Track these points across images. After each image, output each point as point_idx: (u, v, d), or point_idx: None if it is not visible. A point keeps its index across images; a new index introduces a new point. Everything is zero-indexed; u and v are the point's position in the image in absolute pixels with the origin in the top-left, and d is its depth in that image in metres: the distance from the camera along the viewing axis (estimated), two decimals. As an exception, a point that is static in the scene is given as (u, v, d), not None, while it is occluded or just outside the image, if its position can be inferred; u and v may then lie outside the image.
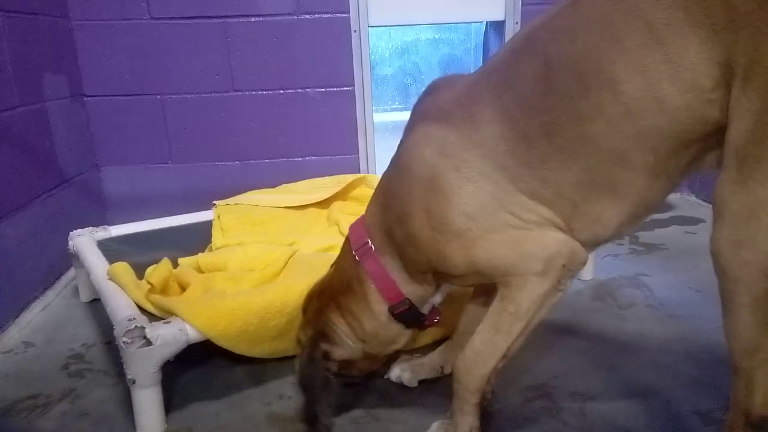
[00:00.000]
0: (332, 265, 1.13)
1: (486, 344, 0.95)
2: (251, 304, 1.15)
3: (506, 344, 0.94)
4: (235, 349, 1.15)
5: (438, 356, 1.21)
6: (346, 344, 1.07)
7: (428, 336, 1.33)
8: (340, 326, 1.06)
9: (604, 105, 0.79)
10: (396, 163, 1.00)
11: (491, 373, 0.97)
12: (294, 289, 1.20)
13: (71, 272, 1.77)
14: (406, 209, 0.94)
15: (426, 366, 1.20)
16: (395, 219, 0.97)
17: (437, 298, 1.07)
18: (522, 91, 0.86)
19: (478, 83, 0.92)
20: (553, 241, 0.89)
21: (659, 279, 1.63)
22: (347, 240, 1.08)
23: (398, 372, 1.20)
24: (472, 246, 0.90)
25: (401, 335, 1.07)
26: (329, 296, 1.08)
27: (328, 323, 1.06)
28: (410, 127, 1.00)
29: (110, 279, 1.33)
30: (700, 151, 0.81)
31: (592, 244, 0.93)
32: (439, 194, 0.90)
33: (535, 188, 0.88)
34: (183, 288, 1.40)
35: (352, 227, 1.07)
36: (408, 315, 1.03)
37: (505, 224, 0.89)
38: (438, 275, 0.99)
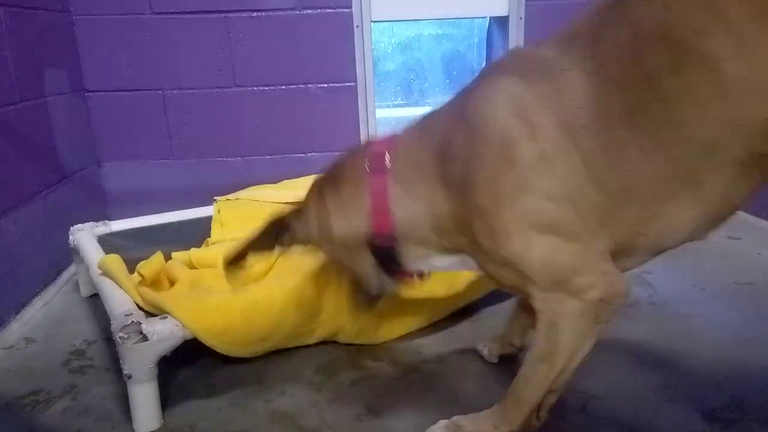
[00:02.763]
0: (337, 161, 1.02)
1: (533, 377, 0.90)
2: (236, 301, 1.13)
3: (551, 377, 0.88)
4: (220, 348, 1.13)
5: (511, 330, 1.22)
6: (307, 227, 0.98)
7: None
8: (312, 210, 0.98)
9: (698, 85, 0.68)
10: (460, 112, 0.88)
11: (537, 404, 0.93)
12: (281, 289, 1.18)
13: (72, 268, 1.77)
14: (469, 173, 0.83)
15: (503, 341, 1.23)
16: (454, 177, 0.85)
17: (437, 262, 0.96)
18: (604, 60, 0.75)
19: (560, 45, 0.84)
20: (596, 273, 0.80)
21: (663, 277, 1.62)
22: (366, 143, 0.99)
23: (480, 347, 1.24)
24: (522, 235, 0.81)
25: (365, 268, 0.97)
26: (318, 185, 1.00)
27: (304, 203, 1.00)
28: (482, 77, 0.89)
29: (101, 271, 1.32)
30: None
31: (653, 253, 0.85)
32: (510, 166, 0.79)
33: (605, 180, 0.77)
34: (172, 283, 1.39)
35: (379, 139, 0.97)
36: (384, 254, 0.94)
37: (563, 225, 0.79)
38: (470, 246, 0.88)
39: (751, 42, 0.65)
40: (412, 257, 0.96)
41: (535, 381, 0.90)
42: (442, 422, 1.00)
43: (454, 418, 1.00)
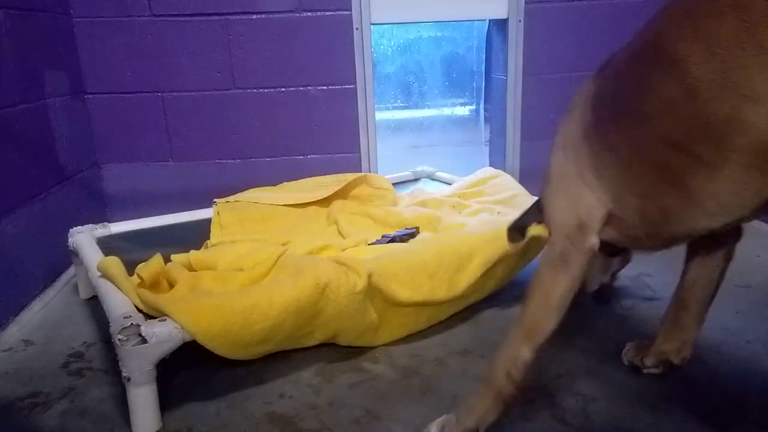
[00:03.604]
0: None
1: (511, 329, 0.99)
2: (235, 303, 1.13)
3: (518, 334, 0.97)
4: (218, 350, 1.13)
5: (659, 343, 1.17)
6: None
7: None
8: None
9: (666, 86, 0.81)
10: None
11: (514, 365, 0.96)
12: (281, 291, 1.17)
13: (71, 270, 1.77)
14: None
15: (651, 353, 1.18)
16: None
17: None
18: (607, 74, 0.97)
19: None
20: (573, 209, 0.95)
21: (661, 279, 1.62)
22: None
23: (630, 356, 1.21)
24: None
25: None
26: None
27: None
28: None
29: (100, 273, 1.32)
30: None
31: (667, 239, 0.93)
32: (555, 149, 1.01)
33: (605, 172, 0.91)
34: (171, 285, 1.39)
35: None
36: None
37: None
38: None
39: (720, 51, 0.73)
40: None
41: (508, 337, 1.00)
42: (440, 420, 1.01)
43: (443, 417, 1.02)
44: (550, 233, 1.00)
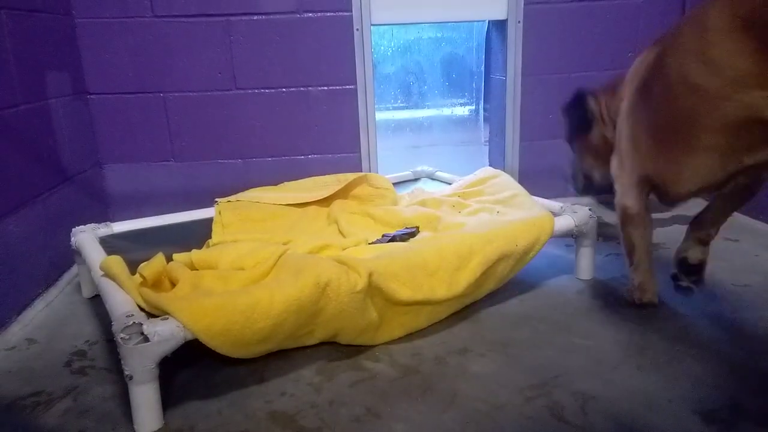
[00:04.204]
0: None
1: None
2: (236, 302, 1.14)
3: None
4: (220, 349, 1.14)
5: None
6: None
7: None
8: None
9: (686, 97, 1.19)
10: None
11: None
12: (282, 291, 1.18)
13: (74, 269, 1.78)
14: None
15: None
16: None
17: None
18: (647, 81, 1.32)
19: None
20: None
21: (660, 278, 1.63)
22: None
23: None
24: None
25: None
26: None
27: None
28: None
29: (103, 272, 1.33)
30: None
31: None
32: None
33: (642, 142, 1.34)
34: (173, 284, 1.40)
35: None
36: None
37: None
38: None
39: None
40: None
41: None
42: None
43: None
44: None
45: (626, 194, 1.40)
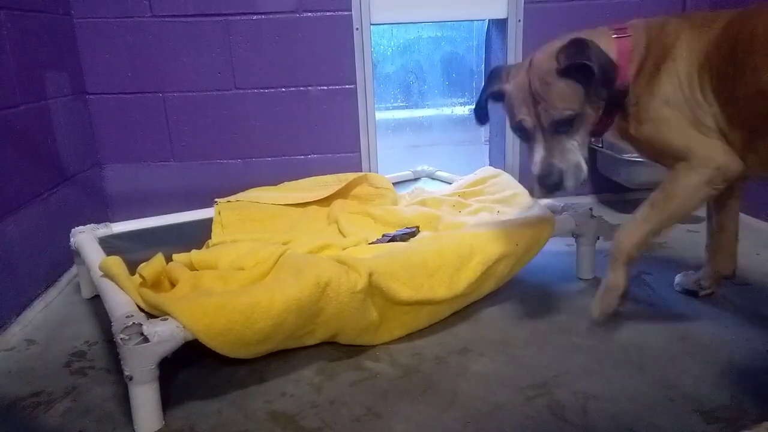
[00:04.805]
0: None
1: (641, 215, 1.26)
2: (236, 302, 1.13)
3: (658, 218, 1.24)
4: (220, 349, 1.13)
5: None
6: None
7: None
8: None
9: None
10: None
11: (641, 242, 1.26)
12: (282, 291, 1.18)
13: (73, 269, 1.77)
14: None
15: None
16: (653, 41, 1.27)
17: None
18: (717, 43, 1.17)
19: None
20: (716, 147, 1.18)
21: (661, 277, 1.63)
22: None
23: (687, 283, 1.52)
24: (660, 126, 1.22)
25: None
26: None
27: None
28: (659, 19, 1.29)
29: (102, 272, 1.33)
30: None
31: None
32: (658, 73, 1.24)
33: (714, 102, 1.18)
34: (173, 284, 1.40)
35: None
36: None
37: (684, 116, 1.20)
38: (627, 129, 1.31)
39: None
40: None
41: (647, 217, 1.25)
42: None
43: None
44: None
45: (717, 150, 1.19)
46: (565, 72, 1.17)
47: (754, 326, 1.35)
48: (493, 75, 1.32)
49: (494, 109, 1.36)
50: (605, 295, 1.31)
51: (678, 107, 1.20)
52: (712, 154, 1.18)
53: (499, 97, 1.31)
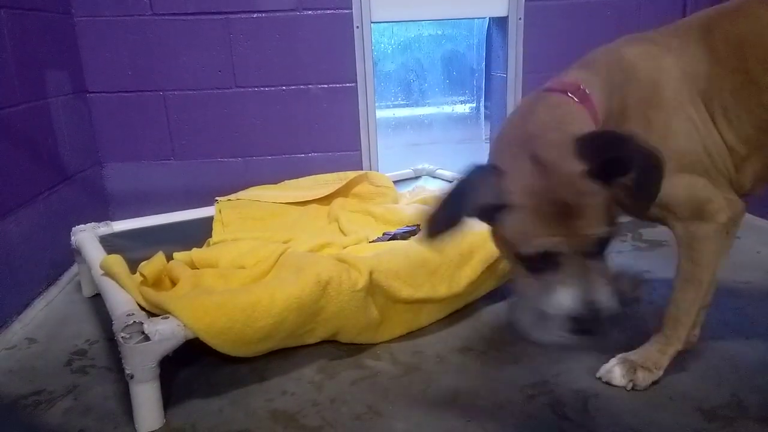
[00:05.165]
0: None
1: (686, 298, 1.10)
2: (237, 301, 1.14)
3: (700, 294, 1.10)
4: (221, 347, 1.14)
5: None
6: None
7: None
8: None
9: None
10: (624, 66, 1.04)
11: (694, 321, 1.14)
12: (282, 288, 1.18)
13: (74, 268, 1.77)
14: (626, 109, 1.01)
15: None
16: (613, 84, 1.02)
17: None
18: (716, 47, 1.02)
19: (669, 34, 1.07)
20: (726, 193, 1.05)
21: (662, 276, 1.63)
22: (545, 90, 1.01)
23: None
24: (671, 174, 0.96)
25: None
26: None
27: None
28: (611, 45, 1.08)
29: (103, 271, 1.33)
30: None
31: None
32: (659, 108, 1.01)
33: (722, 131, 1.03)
34: (174, 283, 1.40)
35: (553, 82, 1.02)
36: None
37: (698, 165, 1.03)
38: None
39: None
40: None
41: (687, 301, 1.10)
42: (613, 360, 1.16)
43: (621, 355, 1.16)
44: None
45: (728, 196, 1.05)
46: (597, 172, 0.83)
47: (754, 324, 1.35)
48: (479, 179, 0.86)
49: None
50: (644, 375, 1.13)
51: (693, 155, 1.02)
52: (723, 205, 1.05)
53: (491, 210, 0.86)
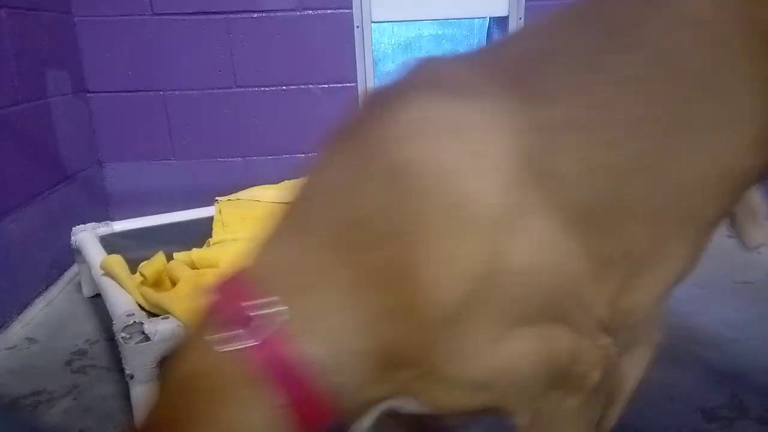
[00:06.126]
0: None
1: None
2: None
3: None
4: None
5: None
6: None
7: None
8: None
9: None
10: (365, 163, 0.57)
11: None
12: None
13: (74, 268, 1.77)
14: (405, 254, 0.51)
15: None
16: (370, 265, 0.53)
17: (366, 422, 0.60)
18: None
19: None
20: (594, 339, 0.59)
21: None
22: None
23: None
24: (506, 337, 0.53)
25: None
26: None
27: None
28: (393, 100, 0.58)
29: (103, 271, 1.33)
30: None
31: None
32: (476, 236, 0.51)
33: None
34: (174, 283, 1.40)
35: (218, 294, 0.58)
36: None
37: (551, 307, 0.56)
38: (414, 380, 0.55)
39: None
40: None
41: None
42: None
43: None
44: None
45: (598, 342, 0.60)
46: None
47: (754, 325, 1.35)
48: None
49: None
50: None
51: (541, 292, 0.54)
52: (595, 358, 0.60)
53: None
